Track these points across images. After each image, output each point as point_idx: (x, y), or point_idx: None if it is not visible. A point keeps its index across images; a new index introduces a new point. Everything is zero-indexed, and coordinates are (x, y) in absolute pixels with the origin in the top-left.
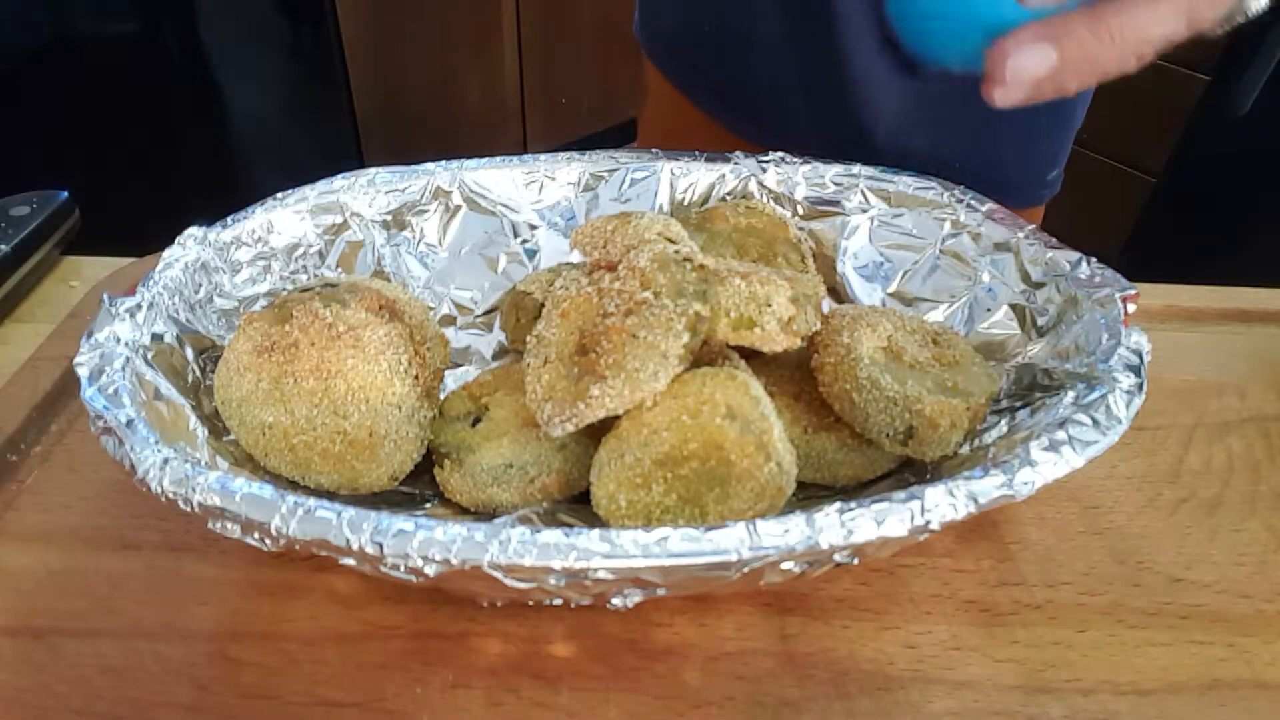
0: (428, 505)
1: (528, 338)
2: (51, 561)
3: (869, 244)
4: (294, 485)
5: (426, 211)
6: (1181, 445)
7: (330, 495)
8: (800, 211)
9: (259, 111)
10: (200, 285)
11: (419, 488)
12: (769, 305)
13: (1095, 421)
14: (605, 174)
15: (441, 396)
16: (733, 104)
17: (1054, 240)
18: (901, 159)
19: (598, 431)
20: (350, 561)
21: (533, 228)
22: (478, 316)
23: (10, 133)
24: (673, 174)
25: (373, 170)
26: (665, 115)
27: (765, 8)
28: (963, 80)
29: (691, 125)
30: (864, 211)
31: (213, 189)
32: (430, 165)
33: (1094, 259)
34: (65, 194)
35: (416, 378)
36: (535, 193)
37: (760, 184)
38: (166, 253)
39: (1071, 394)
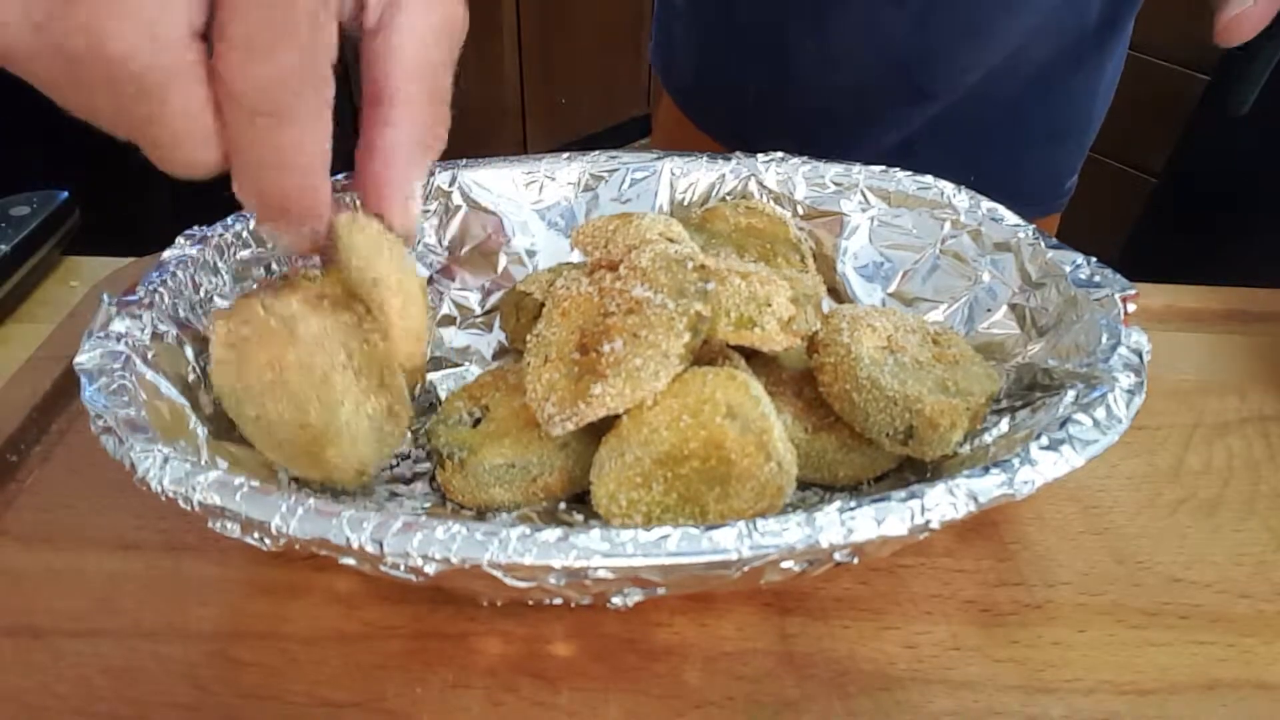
0: (427, 505)
1: (528, 337)
2: (51, 561)
3: (869, 244)
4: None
5: (427, 211)
6: (1181, 445)
7: (334, 493)
8: (800, 211)
9: None
10: (200, 285)
11: (419, 487)
12: (769, 305)
13: (1095, 421)
14: (605, 174)
15: (442, 397)
16: (741, 135)
17: (1054, 240)
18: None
19: (599, 430)
20: (350, 561)
21: (531, 228)
22: (478, 316)
23: (10, 133)
24: (673, 174)
25: None
26: (675, 129)
27: (764, 50)
28: (975, 99)
29: (701, 142)
30: (864, 211)
31: (213, 189)
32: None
33: (1094, 259)
34: (65, 194)
35: (358, 370)
36: (535, 193)
37: (760, 184)
38: (166, 253)
39: (1071, 394)
